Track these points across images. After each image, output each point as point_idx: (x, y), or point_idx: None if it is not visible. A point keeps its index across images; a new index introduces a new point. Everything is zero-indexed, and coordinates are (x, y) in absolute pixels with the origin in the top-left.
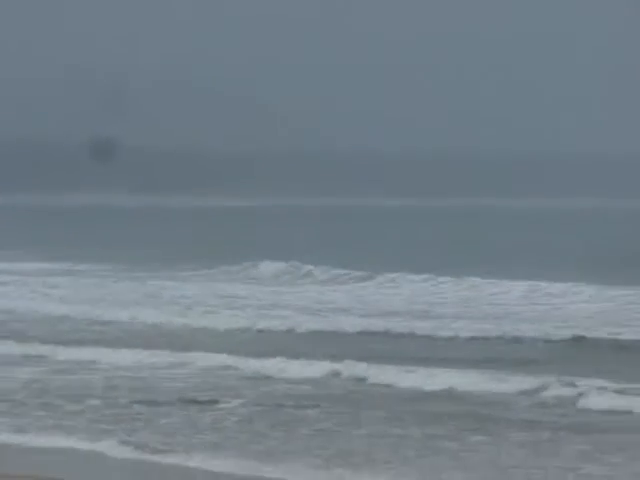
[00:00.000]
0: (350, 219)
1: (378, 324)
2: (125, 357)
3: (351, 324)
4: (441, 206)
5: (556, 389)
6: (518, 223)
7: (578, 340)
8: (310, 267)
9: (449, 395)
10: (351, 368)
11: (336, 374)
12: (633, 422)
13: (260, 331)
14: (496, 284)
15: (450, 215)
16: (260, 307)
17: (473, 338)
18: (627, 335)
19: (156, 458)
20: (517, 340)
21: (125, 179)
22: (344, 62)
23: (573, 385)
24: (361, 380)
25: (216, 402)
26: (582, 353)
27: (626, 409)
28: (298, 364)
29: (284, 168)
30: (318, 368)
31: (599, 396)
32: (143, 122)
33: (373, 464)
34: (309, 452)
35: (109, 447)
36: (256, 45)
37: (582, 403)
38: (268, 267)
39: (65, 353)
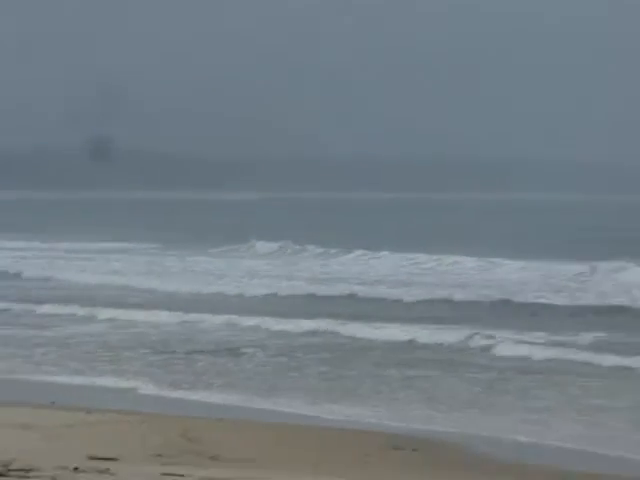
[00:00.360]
0: (337, 209)
1: (362, 290)
2: (171, 318)
3: (340, 290)
4: (421, 199)
5: (479, 340)
6: (484, 213)
7: (505, 303)
8: (297, 246)
9: (410, 345)
10: (341, 325)
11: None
12: (532, 364)
13: (273, 296)
14: (454, 259)
15: (429, 206)
16: (268, 277)
17: (427, 300)
18: (544, 300)
19: (177, 394)
20: (459, 302)
21: (137, 178)
22: (339, 66)
23: (492, 337)
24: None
25: (239, 350)
26: (505, 313)
27: (527, 355)
28: (297, 323)
29: (282, 169)
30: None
31: (509, 345)
32: (146, 127)
33: (333, 398)
34: (300, 388)
35: (143, 384)
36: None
37: (496, 350)
38: (263, 246)
39: (127, 315)
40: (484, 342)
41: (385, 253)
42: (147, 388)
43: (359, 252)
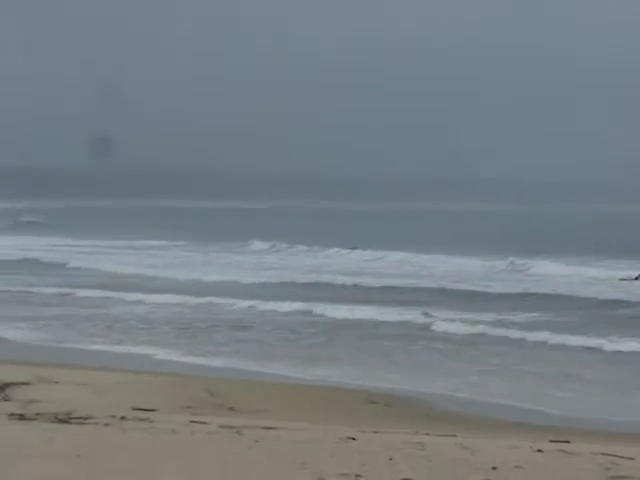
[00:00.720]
0: (322, 216)
1: (333, 278)
2: (194, 300)
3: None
4: (389, 208)
5: (421, 318)
6: (435, 219)
7: (442, 290)
8: (285, 245)
9: (371, 322)
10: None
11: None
12: (470, 338)
13: (274, 284)
14: (410, 255)
15: (395, 214)
16: (264, 268)
17: (385, 287)
18: (472, 287)
19: (187, 359)
20: (406, 288)
21: (144, 188)
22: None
23: (431, 316)
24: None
25: (247, 327)
26: (442, 297)
27: (465, 331)
28: (287, 305)
29: (278, 181)
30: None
31: (444, 323)
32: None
33: (320, 363)
34: (294, 356)
35: (167, 353)
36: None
37: (434, 327)
38: (257, 245)
39: (160, 298)
40: (425, 320)
41: (358, 251)
42: (173, 354)
43: (336, 249)
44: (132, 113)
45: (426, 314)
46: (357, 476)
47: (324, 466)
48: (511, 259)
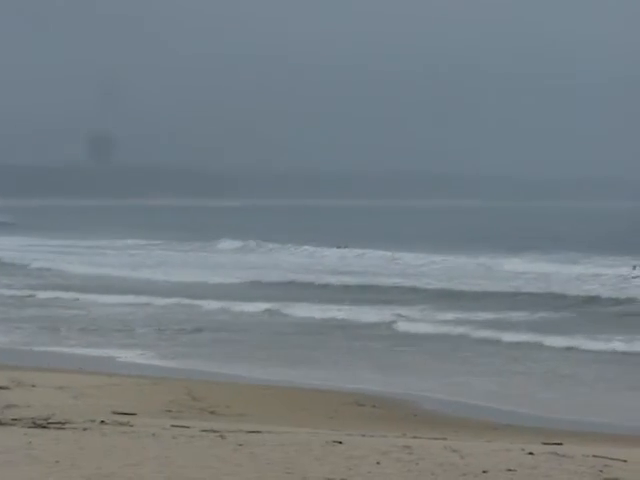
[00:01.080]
0: (294, 214)
1: (297, 277)
2: (160, 301)
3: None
4: (363, 205)
5: (390, 317)
6: (407, 216)
7: (413, 289)
8: (256, 243)
9: (339, 323)
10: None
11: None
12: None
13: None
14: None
15: (368, 211)
16: (236, 268)
17: (345, 285)
18: (454, 286)
19: (164, 362)
20: (371, 288)
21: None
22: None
23: (402, 316)
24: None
25: (219, 329)
26: (419, 296)
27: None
28: (252, 305)
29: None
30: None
31: (405, 322)
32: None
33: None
34: (272, 357)
35: (140, 355)
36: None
37: (395, 326)
38: (228, 243)
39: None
40: (386, 318)
41: (333, 249)
42: (149, 357)
43: (313, 247)
44: (124, 111)
45: (398, 315)
46: None
47: (310, 470)
48: (491, 256)
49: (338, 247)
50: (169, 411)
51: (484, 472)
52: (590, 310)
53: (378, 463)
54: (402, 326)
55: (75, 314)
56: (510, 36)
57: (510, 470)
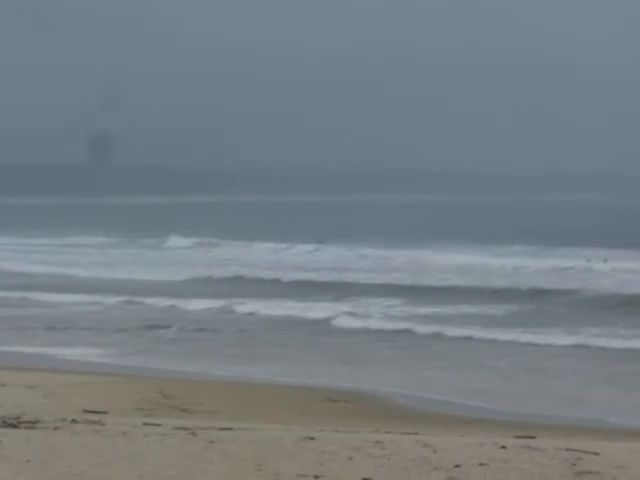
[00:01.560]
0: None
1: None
2: (113, 300)
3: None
4: (315, 201)
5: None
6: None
7: (342, 284)
8: (206, 239)
9: (290, 319)
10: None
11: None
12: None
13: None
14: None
15: (320, 207)
16: (185, 264)
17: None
18: (378, 280)
19: (127, 360)
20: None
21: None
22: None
23: (332, 310)
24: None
25: (155, 327)
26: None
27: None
28: (202, 302)
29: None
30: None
31: (342, 317)
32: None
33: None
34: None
35: (100, 354)
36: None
37: (333, 322)
38: (176, 240)
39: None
40: (326, 314)
41: (300, 246)
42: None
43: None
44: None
45: (348, 313)
46: (316, 477)
47: (282, 467)
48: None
49: (318, 242)
50: (140, 409)
51: (457, 466)
52: (550, 303)
53: (350, 458)
54: (356, 322)
55: (25, 313)
56: (479, 31)
57: (482, 464)
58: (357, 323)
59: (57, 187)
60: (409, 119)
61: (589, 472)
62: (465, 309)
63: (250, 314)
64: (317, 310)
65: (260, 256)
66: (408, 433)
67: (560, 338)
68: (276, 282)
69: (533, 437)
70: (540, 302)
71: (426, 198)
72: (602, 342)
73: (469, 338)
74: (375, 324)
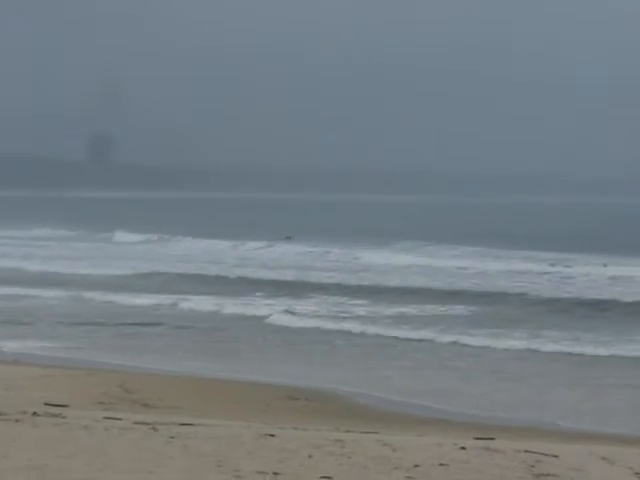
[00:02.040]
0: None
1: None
2: (63, 294)
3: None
4: (265, 199)
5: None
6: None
7: (291, 283)
8: (156, 235)
9: (240, 315)
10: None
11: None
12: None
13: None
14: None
15: (270, 204)
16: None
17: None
18: (333, 280)
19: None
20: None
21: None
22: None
23: (271, 307)
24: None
25: (102, 324)
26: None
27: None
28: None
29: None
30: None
31: (278, 315)
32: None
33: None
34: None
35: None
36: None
37: (269, 319)
38: (123, 235)
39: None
40: (261, 312)
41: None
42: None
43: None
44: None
45: (288, 311)
46: (275, 474)
47: (242, 463)
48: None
49: (287, 238)
50: (102, 403)
51: (416, 466)
52: (510, 306)
53: (310, 456)
54: (268, 317)
55: None
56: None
57: (442, 465)
58: (296, 321)
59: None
60: (385, 118)
61: (548, 474)
62: (423, 310)
63: (193, 310)
64: (255, 307)
65: (214, 253)
66: (368, 432)
67: (520, 341)
68: (223, 279)
69: (492, 439)
70: (500, 305)
71: (402, 199)
72: (562, 345)
73: (429, 340)
74: (313, 323)
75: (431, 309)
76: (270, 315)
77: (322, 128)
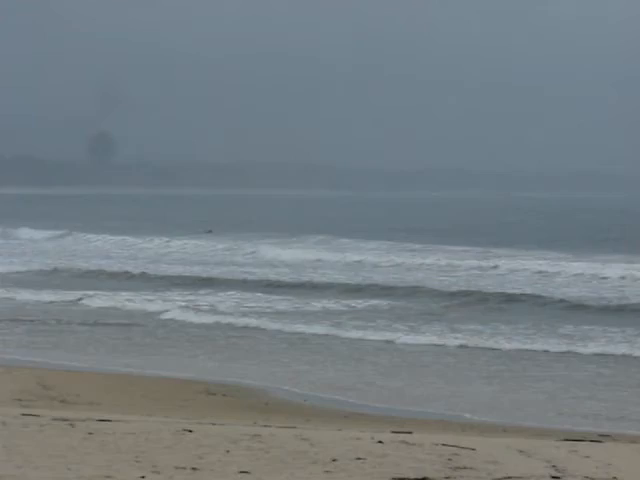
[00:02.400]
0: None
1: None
2: None
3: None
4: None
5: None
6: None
7: (207, 279)
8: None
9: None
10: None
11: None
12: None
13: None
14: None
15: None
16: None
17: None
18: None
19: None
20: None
21: None
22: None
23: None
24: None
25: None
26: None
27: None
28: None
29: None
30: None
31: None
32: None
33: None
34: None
35: None
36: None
37: (163, 315)
38: (26, 232)
39: None
40: (152, 308)
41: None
42: None
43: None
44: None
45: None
46: (193, 469)
47: (159, 459)
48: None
49: (208, 232)
50: (19, 400)
51: (334, 460)
52: (431, 301)
53: (228, 451)
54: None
55: None
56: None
57: (359, 458)
58: (199, 317)
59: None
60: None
61: (465, 467)
62: (337, 304)
63: (100, 307)
64: (158, 304)
65: (125, 248)
66: (286, 427)
67: (437, 335)
68: (128, 275)
69: (410, 432)
70: (417, 299)
71: (341, 194)
72: (482, 340)
73: (343, 335)
74: (217, 318)
75: (346, 304)
76: (168, 310)
77: (262, 123)
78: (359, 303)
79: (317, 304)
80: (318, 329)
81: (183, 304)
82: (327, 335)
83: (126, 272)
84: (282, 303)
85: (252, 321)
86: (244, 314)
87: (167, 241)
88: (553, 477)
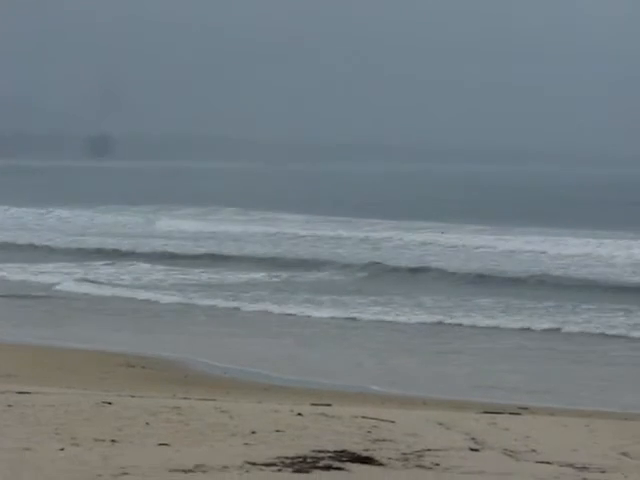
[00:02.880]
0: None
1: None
2: None
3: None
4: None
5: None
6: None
7: (173, 255)
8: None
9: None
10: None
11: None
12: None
13: None
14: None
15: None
16: None
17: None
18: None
19: None
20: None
21: None
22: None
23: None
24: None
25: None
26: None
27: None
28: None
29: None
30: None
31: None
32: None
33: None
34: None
35: None
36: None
37: (65, 287)
38: None
39: None
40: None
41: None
42: None
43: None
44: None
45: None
46: (113, 441)
47: (79, 431)
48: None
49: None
50: None
51: (253, 433)
52: (355, 276)
53: (147, 424)
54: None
55: None
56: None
57: (279, 431)
58: (96, 289)
59: None
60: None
61: (384, 440)
62: (241, 277)
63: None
64: (53, 275)
65: (20, 220)
66: (206, 399)
67: (364, 310)
68: (27, 247)
69: (329, 405)
70: (345, 273)
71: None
72: (405, 314)
73: (253, 308)
74: (115, 291)
75: (250, 277)
76: (62, 282)
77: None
78: (271, 276)
79: (230, 277)
80: (234, 303)
81: (81, 276)
82: (248, 310)
83: (26, 244)
84: (202, 275)
85: (158, 296)
86: (149, 287)
87: (81, 213)
88: (472, 449)
